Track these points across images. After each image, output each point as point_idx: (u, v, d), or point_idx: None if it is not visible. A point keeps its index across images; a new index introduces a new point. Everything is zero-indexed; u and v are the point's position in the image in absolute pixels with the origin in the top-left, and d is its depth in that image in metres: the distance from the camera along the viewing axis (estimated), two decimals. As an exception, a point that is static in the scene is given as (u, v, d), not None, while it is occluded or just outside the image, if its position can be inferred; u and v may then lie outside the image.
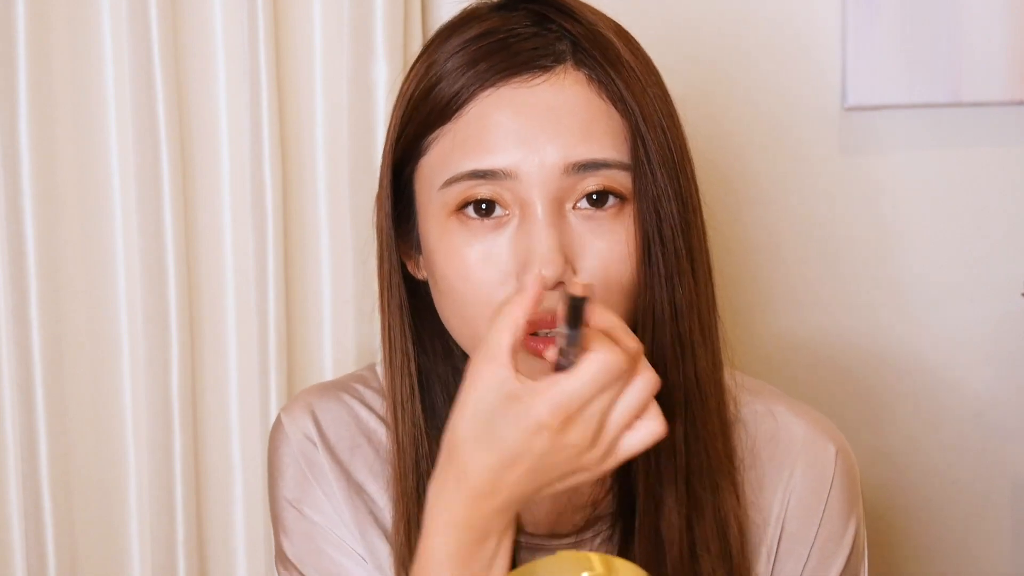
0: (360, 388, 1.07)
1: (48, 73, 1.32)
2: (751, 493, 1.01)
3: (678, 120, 0.96)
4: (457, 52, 0.94)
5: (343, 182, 1.42)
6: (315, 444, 1.04)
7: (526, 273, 0.90)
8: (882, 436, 1.67)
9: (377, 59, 1.40)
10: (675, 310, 0.94)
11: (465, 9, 0.99)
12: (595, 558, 0.76)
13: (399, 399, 1.00)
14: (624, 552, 0.99)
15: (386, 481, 1.03)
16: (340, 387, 1.08)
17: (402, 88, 0.99)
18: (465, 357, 0.99)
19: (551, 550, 1.00)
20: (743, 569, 0.98)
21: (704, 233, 0.98)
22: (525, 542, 1.01)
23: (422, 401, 1.00)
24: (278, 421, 1.07)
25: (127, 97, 1.35)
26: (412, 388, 1.00)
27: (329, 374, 1.44)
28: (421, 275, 1.00)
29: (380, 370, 1.08)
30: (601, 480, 1.01)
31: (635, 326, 0.95)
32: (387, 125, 1.00)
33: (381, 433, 1.05)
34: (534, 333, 0.90)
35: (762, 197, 1.60)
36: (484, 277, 0.92)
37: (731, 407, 1.01)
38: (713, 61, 1.55)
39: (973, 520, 1.71)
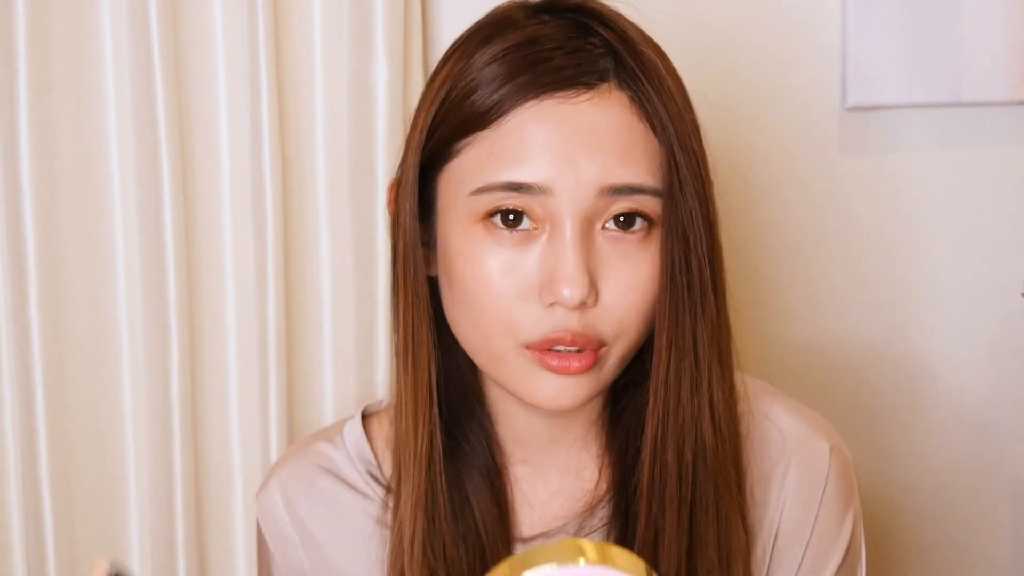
0: (328, 452, 1.06)
1: (48, 73, 1.32)
2: (747, 495, 1.00)
3: (702, 143, 0.96)
4: (496, 60, 0.92)
5: (343, 182, 1.42)
6: (286, 524, 1.04)
7: (549, 289, 0.90)
8: (881, 435, 1.67)
9: (377, 59, 1.40)
10: (695, 339, 0.94)
11: (498, 10, 0.97)
12: (589, 545, 0.76)
13: (410, 406, 0.98)
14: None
15: (360, 549, 1.03)
16: (308, 456, 1.06)
17: (431, 87, 0.97)
18: (468, 362, 0.99)
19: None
20: None
21: (722, 258, 0.98)
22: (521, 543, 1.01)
23: (440, 411, 0.99)
24: (257, 506, 1.07)
25: (127, 97, 1.35)
26: (429, 398, 0.98)
27: (328, 373, 1.44)
28: (432, 272, 0.98)
29: (347, 430, 1.06)
30: (597, 487, 1.01)
31: (652, 351, 0.95)
32: (412, 122, 0.97)
33: (347, 500, 1.04)
34: (550, 348, 0.91)
35: (761, 197, 1.60)
36: (504, 288, 0.91)
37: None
38: (713, 61, 1.55)
39: (973, 520, 1.71)
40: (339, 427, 1.08)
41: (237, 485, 1.44)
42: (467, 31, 0.97)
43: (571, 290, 0.89)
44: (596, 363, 0.92)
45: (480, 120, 0.92)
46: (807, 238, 1.62)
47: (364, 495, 1.03)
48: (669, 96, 0.92)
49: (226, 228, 1.40)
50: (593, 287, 0.90)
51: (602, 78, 0.91)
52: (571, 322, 0.90)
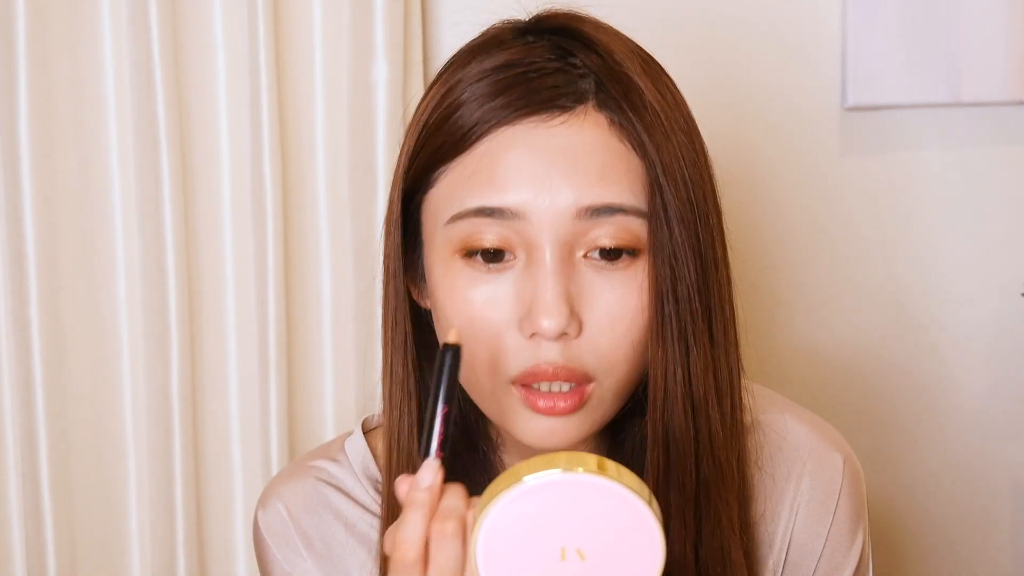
0: (330, 469, 1.04)
1: (48, 73, 1.32)
2: (758, 506, 0.99)
3: (705, 167, 0.92)
4: (475, 81, 0.90)
5: (343, 182, 1.42)
6: (293, 538, 1.03)
7: (529, 319, 0.87)
8: (882, 436, 1.67)
9: (377, 59, 1.40)
10: (688, 373, 0.90)
11: (488, 32, 0.95)
12: (589, 457, 0.76)
13: (395, 436, 0.97)
14: None
15: (362, 559, 1.02)
16: (309, 472, 1.05)
17: (418, 109, 0.95)
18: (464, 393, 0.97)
19: None
20: None
21: (728, 286, 0.94)
22: None
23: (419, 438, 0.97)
24: (256, 523, 1.05)
25: (127, 97, 1.35)
26: (410, 427, 0.97)
27: (329, 373, 1.44)
28: (425, 304, 0.96)
29: (349, 446, 1.05)
30: None
31: (645, 384, 0.92)
32: (401, 144, 0.96)
33: (354, 515, 1.03)
34: (529, 384, 0.89)
35: (761, 197, 1.60)
36: (485, 322, 0.89)
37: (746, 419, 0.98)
38: (713, 61, 1.55)
39: (973, 520, 1.71)
40: (339, 445, 1.06)
41: (237, 485, 1.44)
42: (454, 54, 0.95)
43: (550, 320, 0.85)
44: (585, 401, 0.89)
45: (455, 146, 0.90)
46: (807, 238, 1.62)
47: (371, 511, 1.02)
48: (653, 116, 0.88)
49: (226, 228, 1.40)
50: (575, 317, 0.87)
51: (579, 100, 0.88)
52: (552, 354, 0.87)
